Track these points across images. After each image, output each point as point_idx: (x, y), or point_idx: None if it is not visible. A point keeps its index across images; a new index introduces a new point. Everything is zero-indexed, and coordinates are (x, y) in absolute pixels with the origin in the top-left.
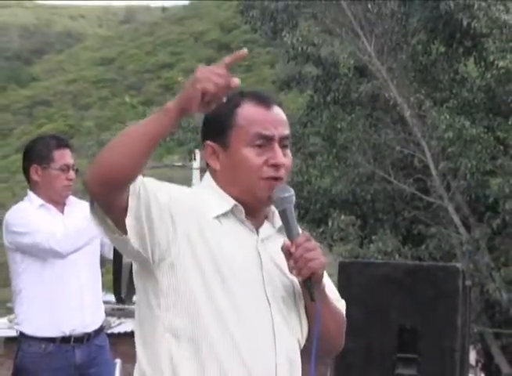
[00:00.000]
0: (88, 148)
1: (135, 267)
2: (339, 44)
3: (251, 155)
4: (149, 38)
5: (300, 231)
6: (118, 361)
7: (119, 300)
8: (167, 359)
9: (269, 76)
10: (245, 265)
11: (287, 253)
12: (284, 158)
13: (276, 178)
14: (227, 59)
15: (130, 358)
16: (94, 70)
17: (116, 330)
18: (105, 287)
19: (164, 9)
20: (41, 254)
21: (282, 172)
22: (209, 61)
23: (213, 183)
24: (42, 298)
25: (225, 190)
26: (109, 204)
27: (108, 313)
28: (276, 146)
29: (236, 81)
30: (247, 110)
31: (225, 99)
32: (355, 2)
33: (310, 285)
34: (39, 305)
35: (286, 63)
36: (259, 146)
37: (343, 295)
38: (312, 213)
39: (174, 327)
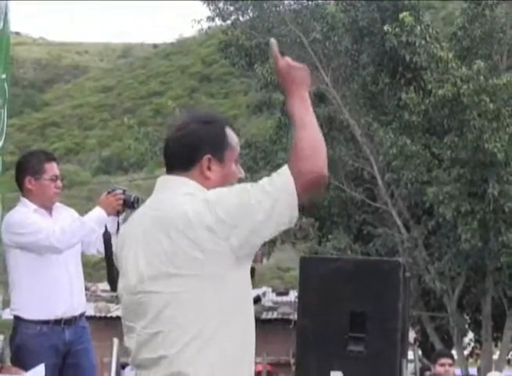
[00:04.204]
0: (91, 162)
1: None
2: None
3: (236, 170)
4: (143, 70)
5: None
6: (116, 340)
7: (113, 288)
8: None
9: (243, 102)
10: None
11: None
12: None
13: None
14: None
15: None
16: (96, 97)
17: (114, 314)
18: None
19: (155, 46)
20: (41, 250)
21: None
22: (192, 90)
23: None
24: (37, 286)
25: None
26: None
27: (108, 300)
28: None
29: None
30: (230, 133)
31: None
32: (315, 41)
33: None
34: (35, 293)
35: (257, 91)
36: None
37: (304, 285)
38: None
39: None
